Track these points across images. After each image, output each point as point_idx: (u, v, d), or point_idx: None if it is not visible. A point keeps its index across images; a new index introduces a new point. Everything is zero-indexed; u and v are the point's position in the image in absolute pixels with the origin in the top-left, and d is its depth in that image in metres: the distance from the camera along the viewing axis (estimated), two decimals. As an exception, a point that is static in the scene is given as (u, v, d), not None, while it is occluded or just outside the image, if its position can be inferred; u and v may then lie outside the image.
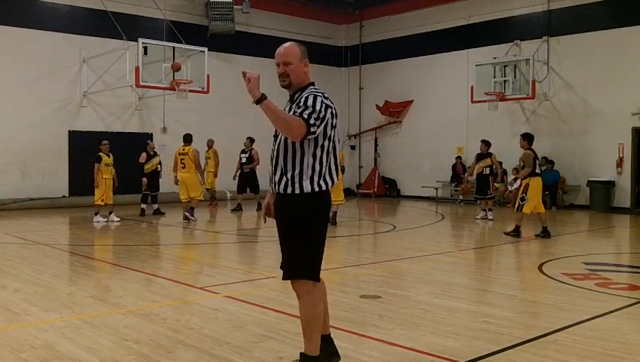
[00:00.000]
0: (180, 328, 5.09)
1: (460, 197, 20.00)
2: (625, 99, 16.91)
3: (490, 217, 14.48)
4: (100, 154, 13.48)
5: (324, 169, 3.87)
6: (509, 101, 18.91)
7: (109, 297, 6.40)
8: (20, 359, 4.29)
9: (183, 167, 13.75)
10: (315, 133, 3.78)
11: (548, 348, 4.62)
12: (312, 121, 3.78)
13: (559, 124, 18.56)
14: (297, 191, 3.81)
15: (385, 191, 22.80)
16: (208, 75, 17.19)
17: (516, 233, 11.29)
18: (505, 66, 19.02)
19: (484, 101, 18.85)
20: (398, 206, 19.82)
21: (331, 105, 4.01)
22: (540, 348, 4.60)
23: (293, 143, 3.84)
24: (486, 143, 14.66)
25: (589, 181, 17.45)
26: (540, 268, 8.07)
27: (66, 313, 5.66)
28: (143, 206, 14.90)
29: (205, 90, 17.32)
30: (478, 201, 15.22)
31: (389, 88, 22.89)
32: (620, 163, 17.20)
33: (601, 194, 17.09)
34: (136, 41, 16.11)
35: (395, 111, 22.68)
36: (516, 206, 11.25)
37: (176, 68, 16.01)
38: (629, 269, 8.63)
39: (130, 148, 16.49)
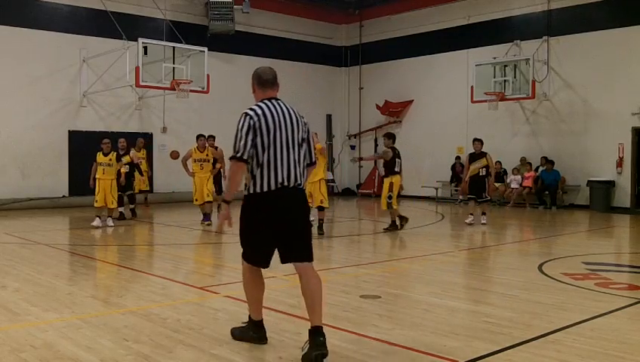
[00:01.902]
0: (179, 328, 5.09)
1: (460, 197, 20.00)
2: (625, 99, 16.92)
3: (483, 221, 13.33)
4: (99, 153, 12.57)
5: (258, 174, 4.38)
6: (509, 101, 18.92)
7: (109, 297, 6.40)
8: (19, 359, 4.29)
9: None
10: (243, 156, 4.33)
11: (548, 347, 4.62)
12: (237, 153, 4.36)
13: (559, 123, 18.57)
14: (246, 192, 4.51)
15: (385, 191, 22.78)
16: (208, 75, 17.19)
17: (395, 226, 12.05)
18: (505, 66, 19.03)
19: (484, 101, 18.85)
20: (398, 205, 19.78)
21: (251, 113, 4.44)
22: (539, 348, 4.60)
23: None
24: (480, 142, 13.52)
25: (589, 181, 17.45)
26: (539, 268, 8.07)
27: (66, 313, 5.66)
28: (121, 209, 13.73)
29: (205, 90, 17.32)
30: (469, 203, 13.84)
31: (389, 88, 22.89)
32: (619, 163, 17.21)
33: (601, 194, 17.09)
34: (137, 41, 16.11)
35: (395, 111, 22.69)
36: (386, 205, 11.86)
37: (174, 157, 15.31)
38: (629, 269, 8.63)
39: (129, 148, 16.46)
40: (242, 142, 4.33)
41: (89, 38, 18.04)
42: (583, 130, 18.04)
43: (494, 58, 19.08)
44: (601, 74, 17.47)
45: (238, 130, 4.38)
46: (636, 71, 16.75)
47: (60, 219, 14.66)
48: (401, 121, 22.78)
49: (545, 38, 18.65)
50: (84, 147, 16.62)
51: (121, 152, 13.49)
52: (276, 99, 4.57)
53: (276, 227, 4.42)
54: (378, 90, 23.35)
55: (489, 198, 13.63)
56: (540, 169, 18.41)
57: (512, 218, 15.99)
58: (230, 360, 4.32)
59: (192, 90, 16.99)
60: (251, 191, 4.40)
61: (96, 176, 12.42)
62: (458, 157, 20.65)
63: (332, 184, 24.33)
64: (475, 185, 13.43)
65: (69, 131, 17.78)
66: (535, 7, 18.96)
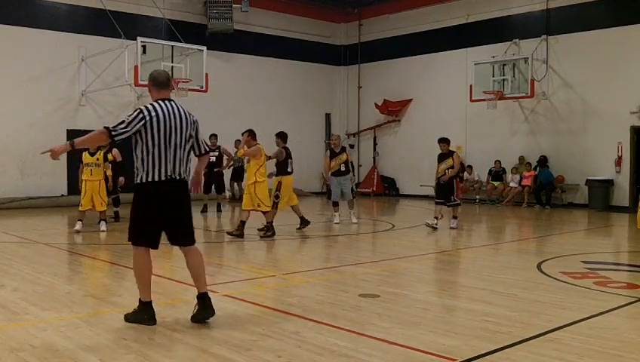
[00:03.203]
0: (178, 327, 5.09)
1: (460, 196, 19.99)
2: (624, 98, 16.93)
3: (452, 225, 12.35)
4: (85, 153, 11.57)
5: (147, 166, 4.97)
6: (508, 100, 18.92)
7: (108, 296, 6.40)
8: (19, 358, 4.29)
9: None
10: (115, 137, 4.93)
11: (547, 346, 4.62)
12: (113, 129, 4.94)
13: (558, 122, 18.58)
14: (136, 181, 5.08)
15: (384, 190, 22.81)
16: (207, 74, 17.18)
17: (269, 230, 10.98)
18: (504, 65, 19.04)
19: (483, 100, 18.85)
20: (397, 205, 19.83)
21: (145, 110, 5.01)
22: (538, 347, 4.60)
23: (134, 147, 5.06)
24: (446, 142, 12.68)
25: (587, 180, 17.46)
26: (538, 266, 8.08)
27: (64, 312, 5.66)
28: (116, 209, 13.38)
29: (204, 89, 17.31)
30: (436, 207, 12.68)
31: (388, 87, 22.89)
32: (618, 161, 17.22)
33: (600, 193, 17.10)
34: (135, 39, 16.10)
35: (394, 110, 22.69)
36: (272, 204, 11.19)
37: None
38: (627, 268, 8.64)
39: (129, 147, 16.46)
40: (125, 128, 4.93)
41: (88, 37, 18.01)
42: (581, 129, 18.05)
43: (493, 57, 19.08)
44: (600, 73, 17.48)
45: (127, 118, 4.98)
46: (635, 70, 16.76)
47: (59, 219, 14.65)
48: (400, 120, 22.78)
49: (544, 37, 18.65)
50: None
51: (104, 151, 12.37)
52: (169, 100, 5.18)
53: (162, 213, 5.05)
54: (377, 89, 23.34)
55: (458, 202, 12.57)
56: (538, 168, 18.42)
57: (509, 217, 16.00)
58: (229, 359, 4.32)
59: (190, 89, 16.98)
60: (142, 181, 4.99)
61: (84, 178, 11.58)
62: (457, 156, 20.63)
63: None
64: (442, 188, 12.53)
65: (67, 130, 17.75)
66: (534, 6, 18.96)
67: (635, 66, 16.76)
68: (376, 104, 23.02)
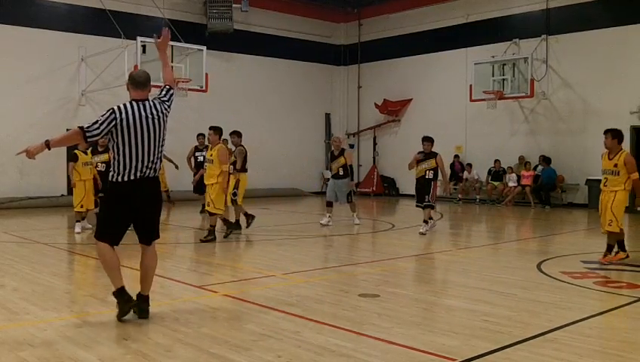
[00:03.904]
0: (178, 327, 5.09)
1: (459, 196, 20.02)
2: (623, 98, 16.93)
3: (421, 230, 11.46)
4: (76, 151, 11.23)
5: (119, 165, 5.04)
6: (508, 100, 18.93)
7: (108, 296, 6.38)
8: (19, 358, 4.29)
9: None
10: (88, 137, 5.01)
11: (546, 346, 4.62)
12: (87, 130, 5.00)
13: (558, 122, 18.57)
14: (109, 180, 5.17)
15: (384, 190, 22.82)
16: (207, 74, 17.18)
17: (236, 226, 11.21)
18: (503, 65, 19.04)
19: (483, 100, 18.86)
20: (397, 204, 19.83)
21: (116, 110, 5.09)
22: (538, 347, 4.60)
23: (112, 146, 5.12)
24: (430, 141, 11.93)
25: (587, 179, 17.44)
26: (538, 266, 8.08)
27: (64, 312, 5.66)
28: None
29: (204, 88, 17.30)
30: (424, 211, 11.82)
31: (388, 87, 22.89)
32: (618, 161, 17.19)
33: (600, 193, 17.06)
34: (135, 39, 16.10)
35: (393, 109, 22.69)
36: (231, 202, 11.39)
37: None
38: (627, 268, 8.63)
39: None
40: (97, 127, 5.00)
41: (88, 36, 18.02)
42: (581, 129, 18.05)
43: (493, 57, 19.08)
44: (599, 73, 17.48)
45: (100, 118, 5.05)
46: (635, 70, 16.76)
47: (59, 218, 14.64)
48: (399, 120, 22.78)
49: (544, 36, 18.65)
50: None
51: (100, 150, 12.05)
52: (144, 100, 5.22)
53: (130, 212, 5.15)
54: (377, 88, 23.34)
55: (432, 204, 11.73)
56: (539, 168, 18.42)
57: (509, 217, 16.00)
58: (229, 358, 4.32)
59: (190, 89, 16.99)
60: (113, 181, 5.05)
61: (83, 178, 11.24)
62: (457, 156, 20.67)
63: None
64: (420, 189, 11.74)
65: (67, 130, 17.70)
66: (534, 6, 18.96)
67: (634, 66, 16.76)
68: (376, 104, 23.02)
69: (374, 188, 22.72)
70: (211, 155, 10.47)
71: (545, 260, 8.53)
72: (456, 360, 4.28)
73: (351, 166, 13.05)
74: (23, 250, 9.46)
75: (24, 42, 17.09)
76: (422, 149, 11.91)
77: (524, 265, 8.37)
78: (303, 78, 23.37)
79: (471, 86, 19.25)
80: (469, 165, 19.96)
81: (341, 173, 12.80)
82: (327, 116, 24.61)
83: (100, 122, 5.01)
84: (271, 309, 5.68)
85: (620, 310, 5.84)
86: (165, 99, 5.53)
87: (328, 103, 24.55)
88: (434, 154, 11.80)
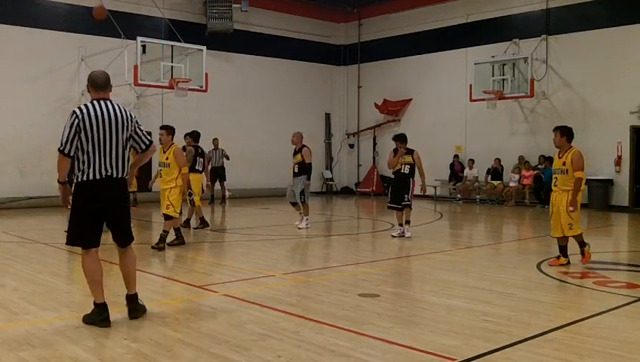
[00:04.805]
0: (178, 327, 5.09)
1: (459, 195, 20.02)
2: (623, 98, 16.93)
3: (406, 234, 10.81)
4: None
5: (83, 165, 4.97)
6: (508, 99, 18.92)
7: (108, 296, 6.36)
8: (18, 358, 4.29)
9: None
10: (69, 151, 4.92)
11: (546, 346, 4.62)
12: (61, 147, 4.92)
13: (558, 122, 18.36)
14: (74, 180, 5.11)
15: (383, 190, 22.78)
16: (207, 74, 17.18)
17: (204, 224, 11.84)
18: (503, 65, 19.05)
19: (483, 100, 18.86)
20: (397, 204, 19.78)
21: (77, 111, 5.02)
22: (538, 347, 4.60)
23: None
24: (403, 140, 11.00)
25: (587, 179, 17.39)
26: (538, 266, 8.08)
27: (64, 312, 5.66)
28: None
29: (204, 88, 17.30)
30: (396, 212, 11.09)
31: (388, 87, 22.89)
32: (618, 161, 17.23)
33: (600, 193, 17.11)
34: (135, 39, 16.09)
35: (393, 109, 22.69)
36: (189, 201, 11.52)
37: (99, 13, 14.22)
38: (627, 268, 8.64)
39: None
40: (67, 137, 4.91)
41: (87, 36, 18.00)
42: (581, 129, 17.96)
43: (493, 57, 19.08)
44: (599, 73, 17.47)
45: (65, 127, 4.94)
46: (635, 69, 16.75)
47: (59, 218, 14.61)
48: (399, 120, 22.76)
49: (544, 36, 18.65)
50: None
51: None
52: (105, 100, 5.20)
53: (101, 211, 5.11)
54: (377, 88, 23.34)
55: (409, 203, 10.87)
56: (540, 167, 18.40)
57: (509, 217, 15.99)
58: (229, 358, 4.32)
59: (190, 89, 16.98)
60: (79, 180, 5.00)
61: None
62: (456, 156, 20.67)
63: (331, 183, 24.36)
64: (396, 186, 11.08)
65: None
66: (534, 6, 18.96)
67: (635, 66, 16.76)
68: (376, 104, 23.01)
69: (374, 188, 22.72)
70: (167, 158, 9.59)
71: (545, 260, 8.52)
72: (456, 360, 4.28)
73: (310, 164, 12.05)
74: (22, 250, 9.45)
75: (24, 42, 17.09)
76: (398, 149, 11.06)
77: (524, 265, 8.37)
78: (303, 78, 23.37)
79: (471, 86, 19.25)
80: (472, 161, 19.95)
81: (296, 170, 12.05)
82: (327, 116, 24.61)
83: (67, 130, 4.94)
84: (271, 309, 5.68)
85: (620, 310, 5.84)
86: (140, 124, 5.38)
87: (328, 103, 24.55)
88: (410, 151, 11.05)
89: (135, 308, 5.31)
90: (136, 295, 5.36)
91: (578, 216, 8.04)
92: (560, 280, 7.14)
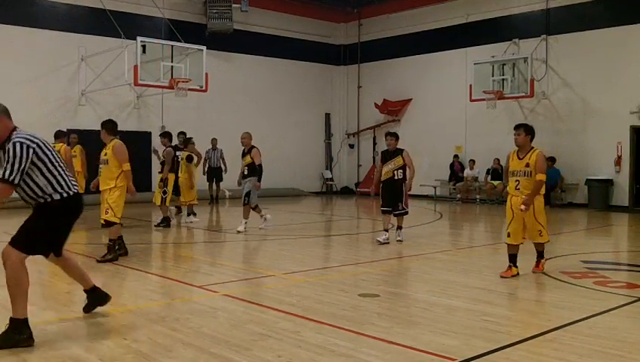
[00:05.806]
0: (178, 326, 5.09)
1: (459, 195, 20.02)
2: (623, 98, 16.93)
3: (399, 238, 10.36)
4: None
5: (57, 185, 4.98)
6: (508, 99, 18.94)
7: (111, 296, 6.39)
8: (19, 358, 4.29)
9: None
10: (15, 181, 4.80)
11: (546, 346, 4.63)
12: (9, 177, 4.78)
13: (558, 122, 18.57)
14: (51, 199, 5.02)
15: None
16: (207, 74, 17.18)
17: (166, 224, 12.30)
18: (503, 65, 19.06)
19: (483, 100, 18.87)
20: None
21: (25, 140, 4.82)
22: (538, 347, 4.61)
23: (30, 177, 4.96)
24: (394, 137, 10.79)
25: (587, 179, 17.47)
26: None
27: (64, 312, 5.67)
28: None
29: (204, 88, 17.31)
30: (383, 216, 10.57)
31: (388, 87, 22.90)
32: (618, 161, 17.23)
33: (600, 193, 17.11)
34: (135, 39, 16.09)
35: (393, 109, 22.70)
36: (160, 200, 12.23)
37: None
38: (627, 268, 8.64)
39: (128, 147, 16.44)
40: (20, 168, 4.76)
41: (87, 36, 18.02)
42: (581, 129, 18.06)
43: (493, 57, 19.09)
44: (599, 72, 17.48)
45: (18, 157, 4.72)
46: (635, 69, 16.76)
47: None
48: (399, 120, 22.78)
49: (543, 36, 18.66)
50: (82, 146, 16.57)
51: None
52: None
53: (70, 225, 5.20)
54: (377, 88, 23.35)
55: (406, 211, 10.46)
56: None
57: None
58: (229, 358, 4.32)
59: (190, 89, 16.98)
60: (59, 198, 4.96)
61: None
62: (456, 156, 20.68)
63: (331, 183, 24.37)
64: (389, 193, 10.39)
65: (67, 130, 17.73)
66: (534, 6, 18.97)
67: (634, 66, 16.77)
68: (375, 104, 23.02)
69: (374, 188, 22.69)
70: (105, 154, 8.44)
71: (546, 260, 8.51)
72: (455, 360, 4.28)
73: (260, 165, 11.57)
74: (22, 250, 9.42)
75: (24, 42, 17.09)
76: (386, 148, 10.74)
77: (523, 265, 8.37)
78: (303, 77, 23.38)
79: (471, 86, 19.26)
80: (472, 161, 19.96)
81: (246, 172, 11.71)
82: (327, 116, 24.61)
83: (18, 160, 4.71)
84: (271, 309, 5.68)
85: (620, 310, 5.84)
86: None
87: (328, 103, 24.56)
88: (400, 151, 10.56)
89: (102, 296, 5.44)
90: (94, 286, 5.46)
91: (545, 222, 7.54)
92: (560, 280, 7.14)
